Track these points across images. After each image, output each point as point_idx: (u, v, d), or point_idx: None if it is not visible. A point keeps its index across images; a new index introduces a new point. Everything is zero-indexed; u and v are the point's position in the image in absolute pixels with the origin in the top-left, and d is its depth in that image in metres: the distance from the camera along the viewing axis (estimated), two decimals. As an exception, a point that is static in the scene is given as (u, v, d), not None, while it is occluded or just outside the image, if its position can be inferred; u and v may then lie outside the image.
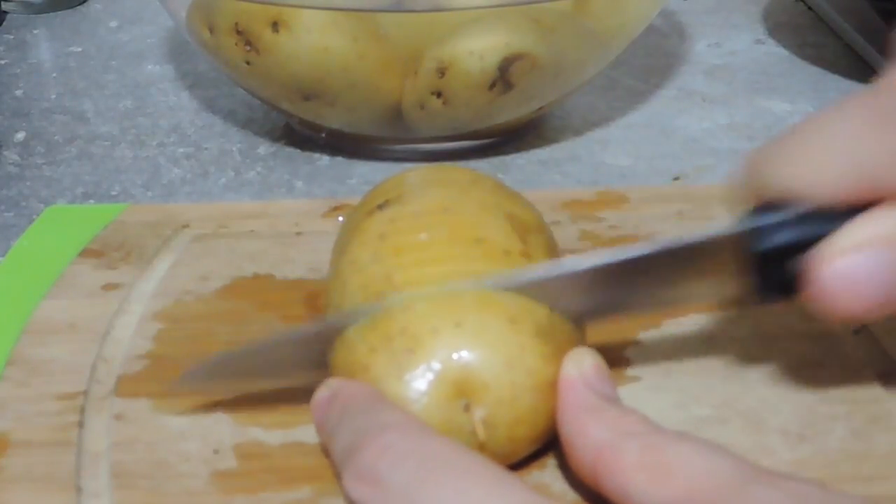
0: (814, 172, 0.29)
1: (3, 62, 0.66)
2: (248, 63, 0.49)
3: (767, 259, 0.30)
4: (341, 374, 0.31)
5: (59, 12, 0.74)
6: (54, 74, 0.64)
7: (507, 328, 0.29)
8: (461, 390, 0.29)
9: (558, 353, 0.30)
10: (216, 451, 0.31)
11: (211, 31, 0.49)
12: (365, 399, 0.29)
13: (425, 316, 0.29)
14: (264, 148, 0.55)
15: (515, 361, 0.29)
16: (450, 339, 0.29)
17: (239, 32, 0.48)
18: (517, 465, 0.30)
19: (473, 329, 0.29)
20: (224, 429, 0.32)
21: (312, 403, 0.30)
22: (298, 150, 0.54)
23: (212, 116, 0.58)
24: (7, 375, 0.34)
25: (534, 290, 0.30)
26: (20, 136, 0.56)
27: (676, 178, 0.52)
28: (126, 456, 0.31)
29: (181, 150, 0.55)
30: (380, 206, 0.33)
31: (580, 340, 0.31)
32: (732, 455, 0.26)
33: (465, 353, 0.29)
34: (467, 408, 0.29)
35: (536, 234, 0.33)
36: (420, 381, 0.29)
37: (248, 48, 0.48)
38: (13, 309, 0.37)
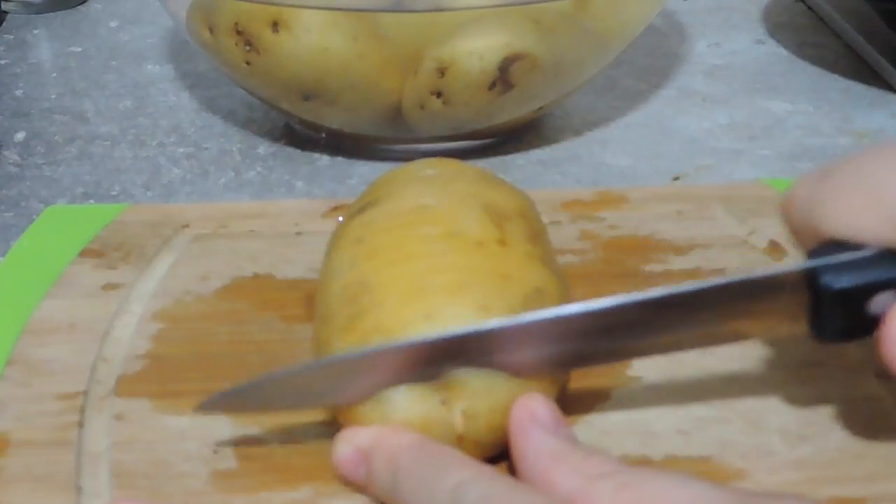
0: (860, 218, 0.29)
1: (3, 62, 0.66)
2: (248, 63, 0.49)
3: (834, 299, 0.29)
4: None
5: (59, 12, 0.74)
6: (54, 74, 0.64)
7: (477, 316, 0.29)
8: (438, 384, 0.29)
9: None
10: (216, 451, 0.31)
11: (211, 31, 0.49)
12: (418, 452, 0.28)
13: (396, 311, 0.30)
14: (264, 148, 0.55)
15: None
16: (421, 331, 0.29)
17: (239, 32, 0.48)
18: (498, 457, 0.30)
19: (443, 320, 0.29)
20: (224, 429, 0.32)
21: (337, 460, 0.30)
22: (298, 150, 0.54)
23: (212, 116, 0.58)
24: (7, 375, 0.34)
25: (572, 326, 0.29)
26: (20, 136, 0.56)
27: (676, 178, 0.52)
28: (126, 456, 0.31)
29: (181, 150, 0.55)
30: (360, 210, 0.33)
31: None
32: (709, 482, 0.26)
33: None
34: (446, 402, 0.29)
35: (516, 221, 0.33)
36: None
37: (248, 48, 0.48)
38: (13, 309, 0.37)
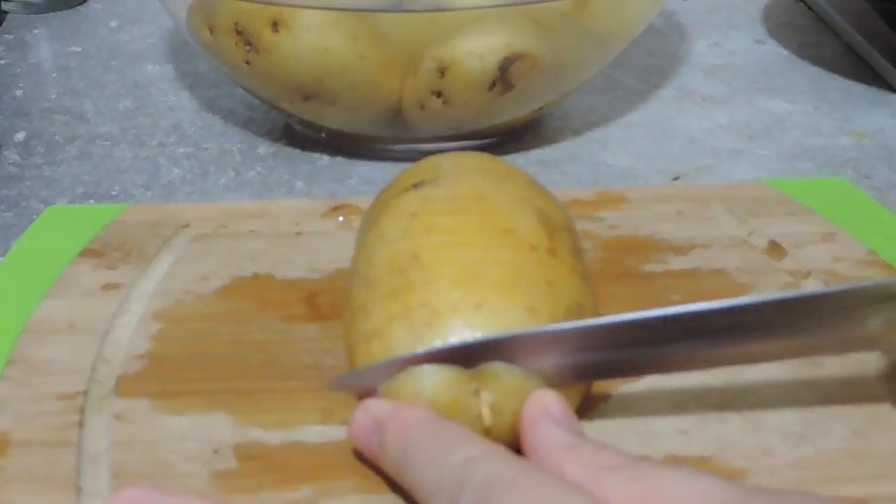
0: None
1: (3, 62, 0.66)
2: (248, 63, 0.49)
3: None
4: (354, 341, 0.31)
5: (59, 12, 0.74)
6: (54, 74, 0.64)
7: (525, 316, 0.30)
8: (473, 373, 0.29)
9: None
10: (216, 451, 0.31)
11: (211, 31, 0.49)
12: (429, 427, 0.28)
13: (447, 293, 0.30)
14: (264, 148, 0.55)
15: None
16: (468, 318, 0.29)
17: (239, 32, 0.48)
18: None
19: (492, 312, 0.29)
20: (224, 429, 0.32)
21: (352, 427, 0.30)
22: (298, 150, 0.54)
23: (212, 116, 0.58)
24: (7, 375, 0.34)
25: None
26: (20, 136, 0.56)
27: (676, 178, 0.52)
28: (126, 456, 0.31)
29: (181, 150, 0.55)
30: (415, 186, 0.34)
31: None
32: (718, 477, 0.26)
33: (480, 335, 0.29)
34: (477, 392, 0.29)
35: (564, 234, 0.33)
36: None
37: (248, 48, 0.48)
38: (13, 309, 0.37)
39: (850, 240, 0.42)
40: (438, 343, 0.29)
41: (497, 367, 0.29)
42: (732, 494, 0.25)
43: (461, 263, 0.30)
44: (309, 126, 0.54)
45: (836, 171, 0.52)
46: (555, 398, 0.29)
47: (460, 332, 0.29)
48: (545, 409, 0.29)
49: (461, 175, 0.34)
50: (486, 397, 0.29)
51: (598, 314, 0.32)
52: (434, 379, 0.29)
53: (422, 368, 0.29)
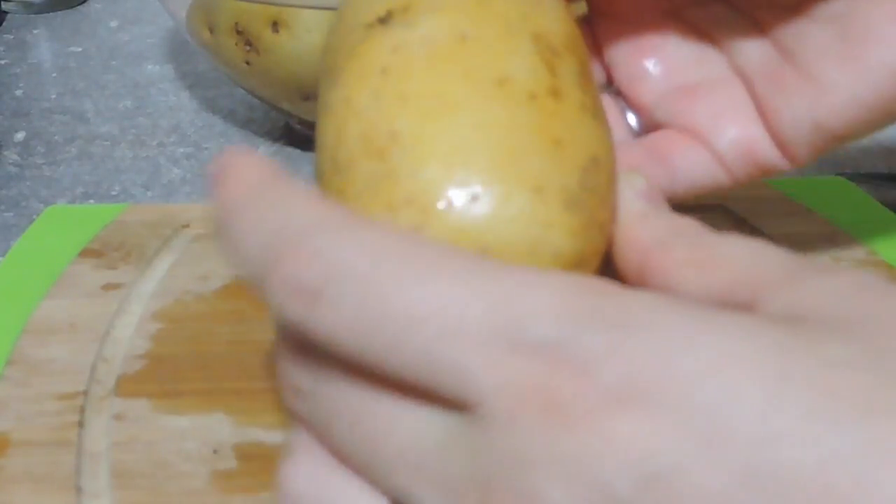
0: None
1: (3, 62, 0.66)
2: (248, 63, 0.49)
3: None
4: None
5: (59, 12, 0.74)
6: (54, 74, 0.64)
7: (532, 200, 0.25)
8: None
9: (590, 224, 0.25)
10: (216, 451, 0.31)
11: (211, 31, 0.49)
12: (263, 183, 0.22)
13: (435, 183, 0.25)
14: (264, 148, 0.55)
15: (539, 244, 0.25)
16: (464, 215, 0.24)
17: (239, 32, 0.48)
18: None
19: (492, 202, 0.24)
20: (224, 429, 0.32)
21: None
22: (298, 150, 0.54)
23: (212, 116, 0.58)
24: (7, 375, 0.34)
25: None
26: (20, 136, 0.56)
27: (676, 178, 0.51)
28: (126, 456, 0.31)
29: (181, 150, 0.55)
30: (381, 21, 0.27)
31: (613, 201, 0.27)
32: (792, 255, 0.23)
33: (479, 234, 0.24)
34: None
35: (567, 57, 0.27)
36: None
37: (248, 48, 0.48)
38: (13, 309, 0.37)
39: (850, 240, 0.42)
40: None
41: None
42: (789, 266, 0.22)
43: (449, 136, 0.25)
44: (309, 126, 0.54)
45: (836, 171, 0.52)
46: (642, 181, 0.27)
47: (455, 237, 0.24)
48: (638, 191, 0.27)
49: (437, 3, 0.27)
50: None
51: (613, 160, 0.27)
52: None
53: None
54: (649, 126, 0.33)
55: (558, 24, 0.28)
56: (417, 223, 0.24)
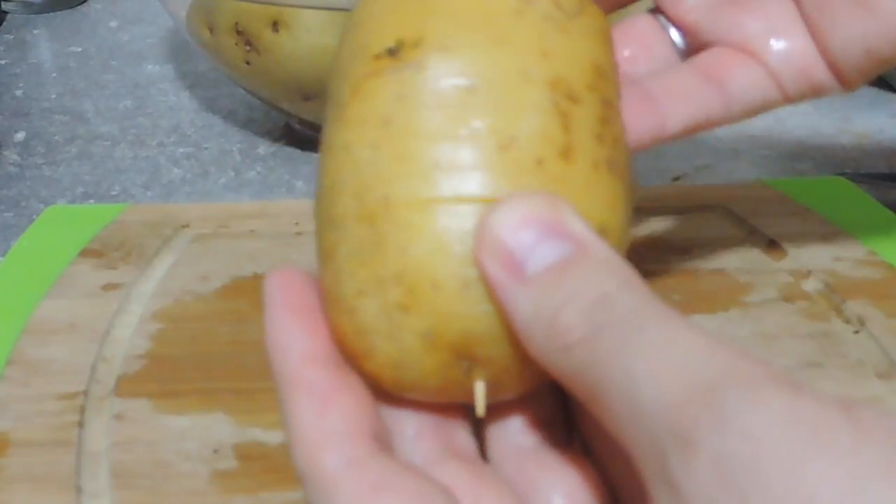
0: None
1: (3, 62, 0.66)
2: (248, 63, 0.49)
3: None
4: (325, 301, 0.24)
5: (59, 12, 0.74)
6: (54, 74, 0.64)
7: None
8: (461, 353, 0.24)
9: None
10: (216, 451, 0.31)
11: (211, 31, 0.49)
12: None
13: (426, 260, 0.23)
14: (264, 148, 0.55)
15: None
16: (453, 298, 0.23)
17: (239, 32, 0.48)
18: None
19: (480, 287, 0.23)
20: (224, 429, 0.32)
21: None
22: (298, 150, 0.54)
23: (212, 116, 0.58)
24: (7, 375, 0.34)
25: None
26: (20, 136, 0.56)
27: (676, 178, 0.51)
28: (126, 456, 0.31)
29: (181, 150, 0.55)
30: (391, 53, 0.25)
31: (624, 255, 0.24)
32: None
33: (468, 322, 0.23)
34: (468, 371, 0.24)
35: (588, 98, 0.25)
36: (414, 345, 0.24)
37: (248, 48, 0.48)
38: (13, 309, 0.37)
39: (850, 240, 0.42)
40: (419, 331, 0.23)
41: (487, 345, 0.24)
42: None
43: (444, 210, 0.23)
44: (309, 126, 0.54)
45: (836, 171, 0.52)
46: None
47: (444, 320, 0.23)
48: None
49: (450, 37, 0.25)
50: (479, 374, 0.24)
51: (623, 223, 0.25)
52: (416, 369, 0.24)
53: (400, 357, 0.24)
54: (695, 46, 0.32)
55: (584, 57, 0.26)
56: (404, 304, 0.23)
